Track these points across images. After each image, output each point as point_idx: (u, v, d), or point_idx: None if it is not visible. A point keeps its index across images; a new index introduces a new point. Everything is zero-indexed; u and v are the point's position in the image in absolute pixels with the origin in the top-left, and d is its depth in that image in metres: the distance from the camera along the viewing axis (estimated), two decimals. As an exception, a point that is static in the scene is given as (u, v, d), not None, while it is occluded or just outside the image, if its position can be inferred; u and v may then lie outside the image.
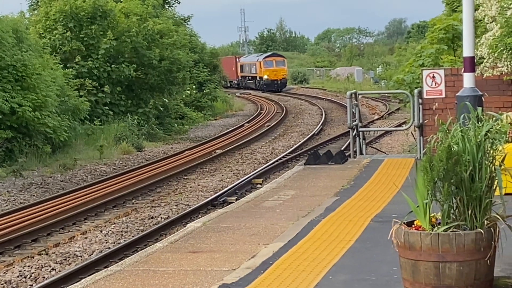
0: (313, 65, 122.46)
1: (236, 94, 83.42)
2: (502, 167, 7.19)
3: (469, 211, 7.06)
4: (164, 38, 40.50)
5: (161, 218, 17.95)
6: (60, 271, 13.42)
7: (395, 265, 7.54)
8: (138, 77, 37.90)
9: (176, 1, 58.31)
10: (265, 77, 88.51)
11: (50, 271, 13.49)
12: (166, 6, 55.34)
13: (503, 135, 7.42)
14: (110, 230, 16.73)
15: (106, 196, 20.51)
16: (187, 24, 59.46)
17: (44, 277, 13.09)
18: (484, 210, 7.07)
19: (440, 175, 7.11)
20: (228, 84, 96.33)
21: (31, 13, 43.67)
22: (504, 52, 18.06)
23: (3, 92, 26.15)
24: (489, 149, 7.12)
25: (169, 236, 12.97)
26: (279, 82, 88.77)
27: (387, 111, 49.97)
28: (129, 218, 18.20)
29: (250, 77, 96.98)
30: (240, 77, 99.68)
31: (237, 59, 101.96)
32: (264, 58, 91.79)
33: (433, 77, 17.41)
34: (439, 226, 7.08)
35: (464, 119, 7.61)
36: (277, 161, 26.92)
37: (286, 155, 28.76)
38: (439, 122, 7.57)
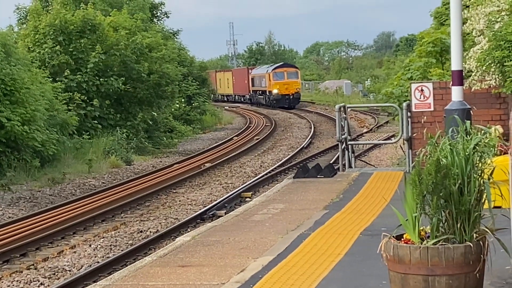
0: (302, 78, 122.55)
1: (225, 107, 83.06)
2: (491, 180, 7.21)
3: (458, 225, 7.08)
4: (153, 52, 40.59)
5: (150, 232, 17.94)
6: (49, 285, 13.40)
7: (385, 279, 7.55)
8: (127, 90, 37.90)
9: (165, 15, 58.48)
10: (275, 91, 75.53)
11: (38, 286, 13.48)
12: (155, 20, 55.47)
13: (491, 149, 7.45)
14: (99, 244, 16.70)
15: (95, 210, 20.49)
16: (176, 38, 59.65)
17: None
18: (473, 223, 7.09)
19: (429, 188, 7.14)
20: (240, 99, 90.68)
21: (19, 27, 43.65)
22: (492, 65, 18.15)
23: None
24: (477, 162, 7.14)
25: (158, 250, 12.96)
26: (291, 97, 75.49)
27: (376, 124, 50.11)
28: (118, 232, 18.18)
29: (260, 92, 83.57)
30: (251, 91, 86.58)
31: (249, 71, 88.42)
32: (273, 70, 78.71)
33: (422, 90, 17.48)
34: (428, 240, 7.10)
35: (453, 133, 7.64)
36: (266, 174, 26.95)
37: (275, 168, 28.80)
38: (427, 136, 7.60)
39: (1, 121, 26.16)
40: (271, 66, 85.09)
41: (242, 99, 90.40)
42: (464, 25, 18.54)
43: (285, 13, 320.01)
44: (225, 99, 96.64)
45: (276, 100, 76.30)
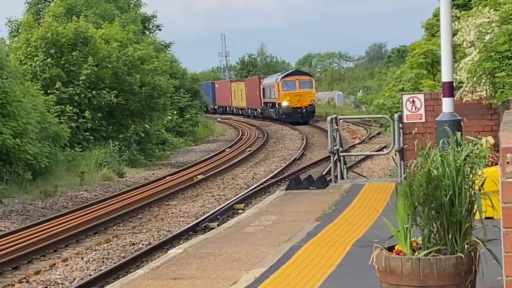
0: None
1: (217, 119, 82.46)
2: (482, 191, 7.22)
3: (450, 236, 7.09)
4: (145, 64, 40.64)
5: (143, 244, 17.92)
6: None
7: (376, 290, 7.56)
8: (119, 103, 37.91)
9: (157, 28, 58.59)
10: (285, 103, 64.34)
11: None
12: (147, 33, 55.54)
13: (482, 160, 7.46)
14: (92, 257, 16.67)
15: (87, 222, 20.46)
16: (168, 50, 59.70)
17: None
18: (464, 234, 7.10)
19: (420, 199, 7.15)
20: (252, 113, 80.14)
21: (11, 40, 43.72)
22: (483, 76, 18.19)
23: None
24: (468, 173, 7.16)
25: (150, 262, 12.95)
26: (304, 110, 64.08)
27: (368, 136, 50.20)
28: (111, 244, 18.15)
29: (271, 104, 71.62)
30: (263, 104, 75.09)
31: (260, 81, 77.19)
32: (283, 78, 67.17)
33: (413, 101, 17.51)
34: (419, 251, 7.11)
35: (444, 144, 7.66)
36: (258, 186, 26.98)
37: (267, 180, 28.81)
38: (419, 147, 7.61)
39: (-8, 134, 26.21)
40: (281, 73, 74.17)
41: (255, 113, 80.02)
42: (455, 37, 18.59)
43: (277, 24, 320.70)
44: (239, 112, 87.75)
45: (286, 114, 65.09)
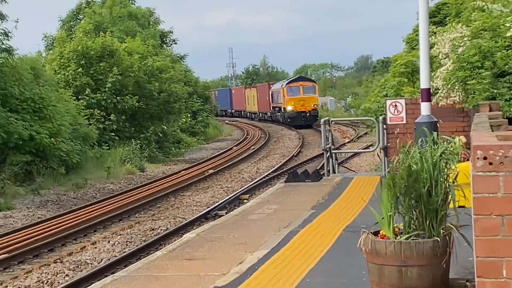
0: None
1: (226, 121, 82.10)
2: (455, 183, 7.23)
3: (427, 222, 7.09)
4: (163, 74, 40.72)
5: (161, 229, 17.93)
6: (73, 277, 13.38)
7: (364, 269, 7.54)
8: (140, 107, 37.93)
9: (173, 42, 58.56)
10: (289, 108, 60.56)
11: (64, 277, 13.46)
12: (165, 46, 55.47)
13: (455, 156, 7.45)
14: (117, 241, 16.70)
15: (113, 211, 20.49)
16: (183, 61, 59.61)
17: (59, 283, 13.06)
18: (440, 221, 7.09)
19: (402, 191, 7.15)
20: (263, 117, 76.61)
21: (47, 53, 43.73)
22: (456, 84, 18.16)
23: (23, 121, 26.25)
24: (443, 168, 7.15)
25: (167, 245, 12.93)
26: (307, 114, 60.44)
27: (356, 135, 50.07)
28: (133, 230, 18.17)
29: (278, 109, 67.52)
30: (272, 108, 71.08)
31: (270, 86, 73.67)
32: (288, 84, 64.25)
33: (395, 106, 17.49)
34: (401, 235, 7.10)
35: (422, 142, 7.65)
36: (261, 179, 26.95)
37: (269, 174, 28.79)
38: (400, 145, 7.60)
39: (31, 134, 26.21)
40: (287, 80, 70.71)
41: (264, 117, 76.28)
42: (432, 49, 18.54)
43: (277, 39, 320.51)
44: (252, 116, 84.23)
45: (290, 118, 61.12)
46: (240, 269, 8.85)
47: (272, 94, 69.98)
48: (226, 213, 17.47)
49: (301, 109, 60.27)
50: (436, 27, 23.50)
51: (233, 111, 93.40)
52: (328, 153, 19.19)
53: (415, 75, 30.30)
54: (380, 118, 18.19)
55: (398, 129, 17.14)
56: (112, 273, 11.68)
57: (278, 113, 67.46)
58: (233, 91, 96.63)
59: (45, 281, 13.18)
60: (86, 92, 36.17)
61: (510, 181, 4.14)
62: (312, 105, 61.34)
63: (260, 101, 76.10)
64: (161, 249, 12.61)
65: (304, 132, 54.45)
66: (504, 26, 18.86)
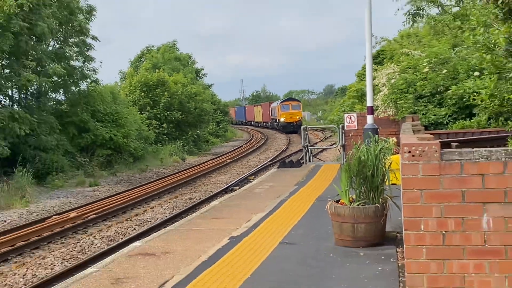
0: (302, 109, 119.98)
1: (239, 128, 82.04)
2: (390, 169, 7.26)
3: (371, 194, 7.12)
4: (197, 96, 40.86)
5: (196, 199, 17.97)
6: (138, 230, 13.43)
7: (329, 225, 7.56)
8: (182, 118, 38.09)
9: (204, 75, 58.82)
10: (282, 119, 59.93)
11: (132, 230, 13.51)
12: (198, 78, 55.60)
13: (390, 151, 7.48)
14: (167, 206, 16.74)
15: (164, 187, 20.52)
16: (210, 88, 59.74)
17: (129, 233, 13.10)
18: (379, 193, 7.13)
19: (354, 173, 7.18)
20: (265, 125, 74.22)
21: (121, 82, 43.93)
22: (390, 103, 18.17)
23: (105, 128, 26.44)
24: (382, 158, 7.18)
25: (200, 209, 12.98)
26: (294, 124, 59.47)
27: (325, 137, 50.01)
28: (178, 199, 18.21)
29: (274, 119, 66.95)
30: (271, 119, 69.48)
31: (270, 104, 73.54)
32: (281, 103, 64.25)
33: (350, 117, 17.49)
34: (354, 203, 7.13)
35: (368, 142, 7.66)
36: (262, 166, 26.93)
37: (267, 162, 28.76)
38: (353, 143, 7.60)
39: (111, 136, 26.41)
40: (280, 100, 69.61)
41: (266, 125, 73.93)
42: (374, 80, 18.55)
43: (273, 73, 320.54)
44: (258, 125, 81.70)
45: (283, 126, 59.98)
46: (248, 224, 8.89)
47: (271, 110, 69.74)
48: (238, 188, 17.51)
49: (290, 120, 59.48)
50: (377, 66, 23.51)
51: (246, 121, 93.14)
52: (306, 149, 19.25)
53: (363, 97, 30.30)
54: (340, 126, 18.22)
55: (352, 133, 17.17)
56: (164, 227, 11.74)
57: (275, 123, 66.78)
58: (246, 108, 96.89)
59: (120, 233, 13.24)
60: (147, 109, 36.29)
61: (425, 167, 4.15)
62: (297, 117, 60.68)
63: (263, 114, 75.45)
64: (196, 211, 12.64)
65: (291, 136, 54.34)
66: (421, 65, 18.84)
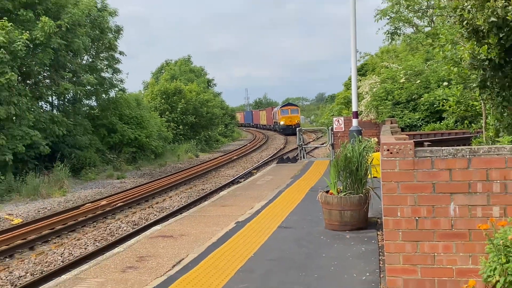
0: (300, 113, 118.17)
1: (243, 129, 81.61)
2: (371, 164, 7.24)
3: (356, 186, 7.10)
4: (208, 103, 40.86)
5: (207, 189, 17.93)
6: (158, 215, 13.43)
7: (320, 212, 7.55)
8: (196, 122, 38.10)
9: (214, 85, 58.91)
10: (282, 122, 57.09)
11: (153, 216, 13.50)
12: (209, 87, 55.66)
13: (371, 149, 7.46)
14: (183, 196, 16.73)
15: (180, 179, 20.51)
16: (219, 95, 59.81)
17: (151, 218, 13.10)
18: (363, 185, 7.11)
19: (341, 168, 7.17)
20: (268, 127, 71.84)
21: (144, 91, 43.99)
22: (372, 109, 18.14)
23: (131, 129, 26.46)
24: (365, 155, 7.16)
25: (211, 198, 12.99)
26: (293, 126, 55.68)
27: (317, 137, 49.91)
28: (192, 190, 18.20)
29: (276, 122, 64.24)
30: (273, 122, 66.86)
31: (272, 109, 70.77)
32: (281, 108, 61.22)
33: (338, 121, 17.47)
34: (341, 193, 7.11)
35: (353, 141, 7.65)
36: (263, 161, 26.90)
37: (267, 158, 28.71)
38: (341, 143, 7.59)
39: (136, 136, 26.44)
40: (280, 105, 66.36)
41: (269, 127, 71.18)
42: (358, 89, 18.54)
43: (273, 83, 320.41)
44: (261, 127, 79.75)
45: (283, 129, 57.08)
46: (252, 211, 8.87)
47: (273, 114, 67.77)
48: (243, 180, 17.51)
49: (289, 123, 56.48)
50: (361, 77, 23.50)
51: (253, 123, 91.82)
52: (301, 147, 19.24)
53: (349, 104, 30.27)
54: (330, 127, 18.21)
55: (339, 134, 17.16)
56: (180, 213, 11.75)
57: (276, 125, 64.64)
58: (253, 112, 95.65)
59: (143, 218, 13.23)
60: (166, 113, 36.24)
61: (402, 163, 4.14)
62: (296, 121, 57.24)
63: (267, 118, 73.62)
64: (207, 200, 12.65)
65: (288, 136, 54.23)
66: (398, 76, 18.81)
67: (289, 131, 56.10)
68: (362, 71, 32.87)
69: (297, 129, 19.48)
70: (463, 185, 4.02)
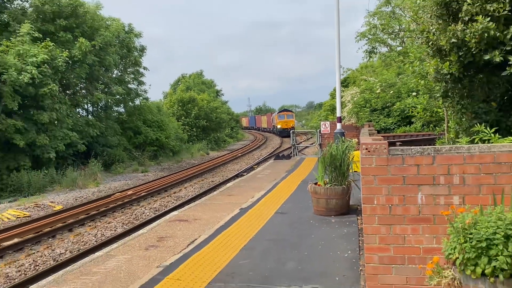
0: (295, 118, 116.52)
1: (245, 132, 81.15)
2: (352, 160, 7.22)
3: (339, 178, 7.07)
4: (217, 109, 40.80)
5: (216, 181, 17.87)
6: (175, 203, 13.42)
7: (310, 200, 7.54)
8: (207, 125, 38.05)
9: (222, 94, 58.84)
10: (278, 126, 54.46)
11: (171, 203, 13.46)
12: (218, 96, 55.64)
13: (352, 148, 7.44)
14: (196, 187, 16.68)
15: (194, 173, 20.47)
16: (226, 103, 59.73)
17: (169, 205, 13.05)
18: (345, 178, 7.08)
19: (328, 164, 7.14)
20: (268, 130, 68.79)
21: (164, 99, 43.99)
22: (353, 114, 18.08)
23: (152, 131, 26.43)
24: (347, 153, 7.15)
25: (219, 188, 12.98)
26: (288, 130, 52.66)
27: (307, 138, 49.68)
28: (203, 182, 18.15)
29: (274, 126, 60.60)
30: (272, 126, 63.23)
31: (271, 114, 68.29)
32: (277, 113, 58.85)
33: (325, 124, 17.45)
34: (327, 184, 7.10)
35: (337, 142, 7.63)
36: (263, 158, 26.83)
37: (266, 156, 28.65)
38: (327, 143, 7.58)
39: (157, 137, 26.42)
40: (278, 111, 64.06)
41: (269, 130, 67.78)
42: (342, 98, 18.51)
43: (271, 93, 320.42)
44: (263, 130, 76.18)
45: (279, 132, 54.25)
46: (253, 199, 8.84)
47: (272, 119, 65.68)
48: (246, 174, 17.49)
49: (285, 126, 53.50)
50: (344, 88, 23.44)
51: (256, 127, 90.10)
52: (294, 146, 19.21)
53: (334, 110, 30.25)
54: (318, 130, 18.18)
55: (326, 135, 17.14)
56: (194, 201, 11.72)
57: (274, 128, 61.87)
58: (256, 117, 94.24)
59: (163, 205, 13.20)
60: (182, 118, 36.22)
61: (378, 159, 4.14)
62: (291, 125, 54.87)
63: (267, 122, 71.58)
64: (216, 190, 12.64)
65: (284, 138, 54.06)
66: (375, 88, 18.77)
67: (284, 133, 54.03)
68: (345, 83, 32.82)
69: (291, 131, 19.47)
70: (429, 178, 4.02)
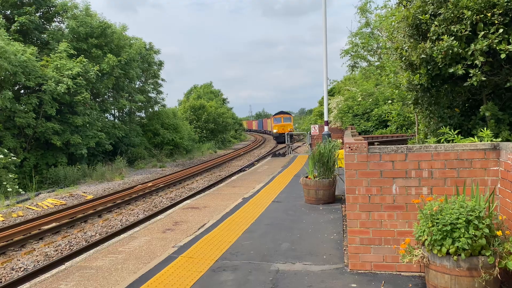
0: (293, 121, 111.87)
1: (247, 133, 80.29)
2: (338, 157, 7.20)
3: (327, 173, 7.06)
4: (224, 114, 40.70)
5: (223, 175, 17.80)
6: (188, 193, 13.38)
7: (302, 191, 7.52)
8: (215, 128, 37.95)
9: (227, 102, 58.70)
10: (275, 131, 42.88)
11: (185, 194, 13.41)
12: (224, 104, 55.55)
13: (337, 147, 7.43)
14: (205, 180, 16.60)
15: (203, 168, 20.37)
16: (231, 109, 59.65)
17: (183, 195, 13.00)
18: (331, 172, 7.06)
19: (317, 160, 7.12)
20: (267, 133, 61.57)
21: (179, 106, 43.96)
22: (338, 119, 18.03)
23: (169, 133, 26.35)
24: (333, 151, 7.13)
25: (225, 181, 12.95)
26: (285, 134, 33.00)
27: (299, 139, 49.61)
28: (211, 176, 18.08)
29: (270, 131, 53.61)
30: (272, 130, 51.95)
31: (271, 118, 58.19)
32: (273, 116, 48.02)
33: (314, 127, 17.40)
34: (316, 178, 7.08)
35: (325, 142, 7.62)
36: (262, 156, 26.79)
37: (265, 154, 28.60)
38: (316, 143, 7.57)
39: (173, 138, 26.38)
40: (273, 114, 50.60)
41: (268, 134, 59.20)
42: (329, 105, 18.47)
43: (268, 101, 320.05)
44: (269, 132, 63.45)
45: (276, 137, 42.53)
46: (254, 190, 8.81)
47: (268, 122, 60.69)
48: (248, 169, 17.45)
49: (282, 131, 41.77)
50: (330, 97, 23.39)
51: (262, 130, 77.17)
52: (288, 146, 19.14)
53: (322, 116, 30.18)
54: (308, 132, 18.15)
55: (315, 136, 17.11)
56: (204, 192, 11.70)
57: (272, 133, 51.47)
58: (263, 120, 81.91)
59: (178, 195, 13.14)
60: (194, 122, 36.12)
61: (359, 156, 4.14)
62: (288, 129, 43.65)
63: (270, 125, 64.21)
64: (222, 183, 12.61)
65: (280, 144, 52.74)
66: (356, 96, 18.72)
67: (281, 139, 41.75)
68: (331, 93, 32.76)
69: (286, 134, 19.41)
70: (402, 172, 4.02)
